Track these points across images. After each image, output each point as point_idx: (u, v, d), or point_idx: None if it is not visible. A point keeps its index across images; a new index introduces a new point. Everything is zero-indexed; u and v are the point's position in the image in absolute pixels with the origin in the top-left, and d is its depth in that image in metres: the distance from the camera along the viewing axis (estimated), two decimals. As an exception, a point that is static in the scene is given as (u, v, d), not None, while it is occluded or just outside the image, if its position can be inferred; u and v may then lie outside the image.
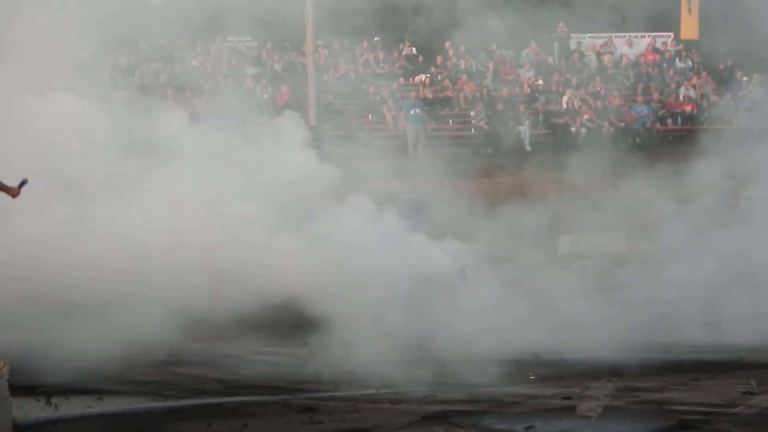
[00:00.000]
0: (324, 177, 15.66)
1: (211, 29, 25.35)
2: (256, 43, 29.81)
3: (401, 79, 30.34)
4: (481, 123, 28.90)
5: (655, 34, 33.18)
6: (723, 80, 31.94)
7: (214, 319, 14.70)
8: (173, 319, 13.03)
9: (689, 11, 31.91)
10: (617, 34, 32.89)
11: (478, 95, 30.11)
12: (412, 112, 28.13)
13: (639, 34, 33.12)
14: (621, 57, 32.71)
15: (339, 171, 15.70)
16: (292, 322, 15.21)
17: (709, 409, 8.40)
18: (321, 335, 15.00)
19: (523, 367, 11.72)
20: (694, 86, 31.41)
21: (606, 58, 32.58)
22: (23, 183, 10.89)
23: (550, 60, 32.29)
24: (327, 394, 9.92)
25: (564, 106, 30.21)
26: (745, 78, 31.56)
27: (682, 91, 31.48)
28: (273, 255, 14.46)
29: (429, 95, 29.67)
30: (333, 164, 16.20)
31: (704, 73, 31.80)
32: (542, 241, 20.28)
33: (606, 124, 29.49)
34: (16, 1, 15.06)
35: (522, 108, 30.18)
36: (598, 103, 30.23)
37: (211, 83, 26.52)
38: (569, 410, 8.49)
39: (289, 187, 15.36)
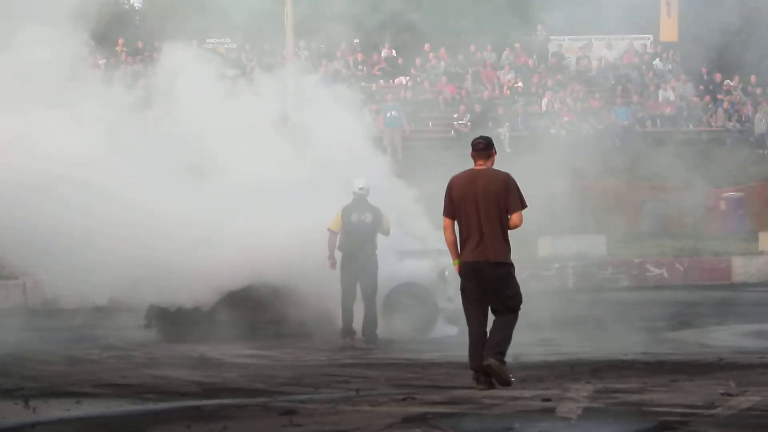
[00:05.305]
0: None
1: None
2: (235, 45, 29.76)
3: (381, 81, 30.31)
4: (462, 126, 28.89)
5: (634, 36, 33.25)
6: (702, 82, 32.04)
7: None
8: None
9: (668, 14, 32.00)
10: (596, 36, 32.97)
11: (458, 97, 30.14)
12: (389, 115, 28.07)
13: (618, 36, 33.20)
14: (600, 59, 32.79)
15: None
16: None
17: (688, 411, 8.41)
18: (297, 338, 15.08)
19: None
20: (673, 88, 31.51)
21: (584, 62, 32.65)
22: None
23: (530, 62, 32.34)
24: (306, 397, 9.89)
25: (543, 108, 30.26)
26: (727, 81, 31.69)
27: (661, 93, 31.57)
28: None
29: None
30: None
31: (683, 76, 31.93)
32: (523, 243, 20.29)
33: (586, 126, 29.56)
34: None
35: (501, 110, 30.22)
36: (578, 105, 30.32)
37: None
38: (549, 412, 8.49)
39: None
